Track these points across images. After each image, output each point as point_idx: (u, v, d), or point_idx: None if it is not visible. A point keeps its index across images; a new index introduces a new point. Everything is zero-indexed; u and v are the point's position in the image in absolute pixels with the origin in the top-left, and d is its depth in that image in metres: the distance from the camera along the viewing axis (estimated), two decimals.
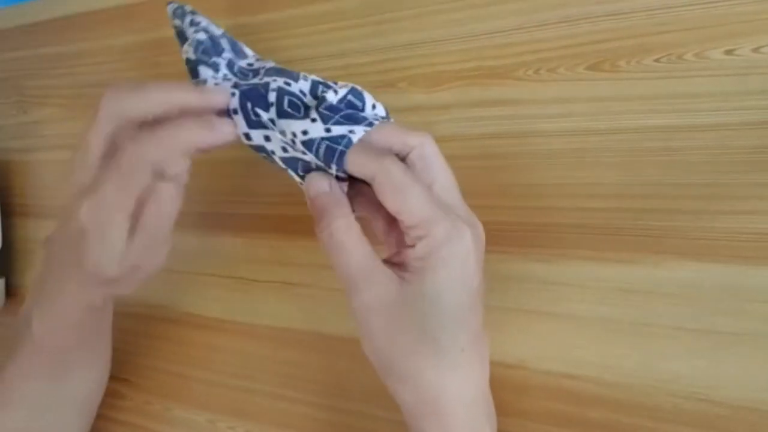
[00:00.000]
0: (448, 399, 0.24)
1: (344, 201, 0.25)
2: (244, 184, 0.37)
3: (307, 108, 0.26)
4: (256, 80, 0.28)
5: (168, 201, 0.25)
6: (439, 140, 0.31)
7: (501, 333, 0.30)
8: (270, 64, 0.29)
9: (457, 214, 0.23)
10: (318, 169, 0.26)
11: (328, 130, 0.24)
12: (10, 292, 0.47)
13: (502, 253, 0.30)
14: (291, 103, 0.26)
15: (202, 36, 0.29)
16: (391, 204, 0.23)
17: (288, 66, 0.35)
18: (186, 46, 0.30)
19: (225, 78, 0.29)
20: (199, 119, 0.25)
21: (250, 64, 0.30)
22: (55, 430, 0.34)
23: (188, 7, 0.32)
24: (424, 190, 0.23)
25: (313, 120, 0.25)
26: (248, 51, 0.31)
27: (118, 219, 0.24)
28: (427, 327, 0.23)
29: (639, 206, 0.27)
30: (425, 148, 0.24)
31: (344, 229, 0.24)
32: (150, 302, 0.41)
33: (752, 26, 0.25)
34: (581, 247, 0.28)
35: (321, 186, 0.25)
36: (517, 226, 0.29)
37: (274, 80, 0.27)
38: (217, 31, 0.30)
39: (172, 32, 0.36)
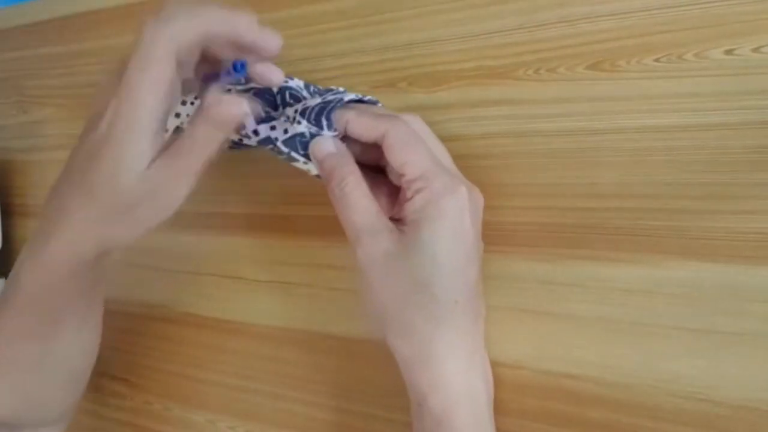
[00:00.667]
0: (440, 350, 0.25)
1: (350, 158, 0.26)
2: (244, 184, 0.37)
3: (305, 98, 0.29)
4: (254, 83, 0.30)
5: (210, 131, 0.24)
6: (439, 140, 0.31)
7: (501, 333, 0.30)
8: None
9: (455, 172, 0.25)
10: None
11: (324, 99, 0.27)
12: None
13: (502, 253, 0.30)
14: (292, 95, 0.30)
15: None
16: (398, 156, 0.24)
17: (289, 66, 0.35)
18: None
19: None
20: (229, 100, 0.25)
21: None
22: (40, 398, 0.33)
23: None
24: (428, 149, 0.25)
25: (312, 97, 0.28)
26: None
27: (151, 124, 0.23)
28: (420, 277, 0.24)
29: (639, 206, 0.27)
30: (416, 125, 0.26)
31: (353, 185, 0.25)
32: (150, 302, 0.41)
33: (752, 26, 0.25)
34: (581, 247, 0.28)
35: (327, 147, 0.26)
36: (517, 226, 0.29)
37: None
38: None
39: None
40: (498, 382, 0.30)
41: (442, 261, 0.24)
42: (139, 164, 0.24)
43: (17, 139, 0.47)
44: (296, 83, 0.30)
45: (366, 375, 0.33)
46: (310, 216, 0.35)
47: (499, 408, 0.30)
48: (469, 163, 0.30)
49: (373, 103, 0.29)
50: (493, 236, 0.30)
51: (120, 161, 0.24)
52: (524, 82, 0.29)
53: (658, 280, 0.27)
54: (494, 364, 0.30)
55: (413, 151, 0.25)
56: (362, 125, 0.26)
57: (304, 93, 0.30)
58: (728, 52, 0.25)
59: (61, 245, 0.27)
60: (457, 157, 0.31)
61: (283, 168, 0.36)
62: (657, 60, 0.26)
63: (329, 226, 0.34)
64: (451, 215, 0.24)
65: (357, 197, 0.25)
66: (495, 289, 0.30)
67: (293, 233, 0.36)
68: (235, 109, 0.24)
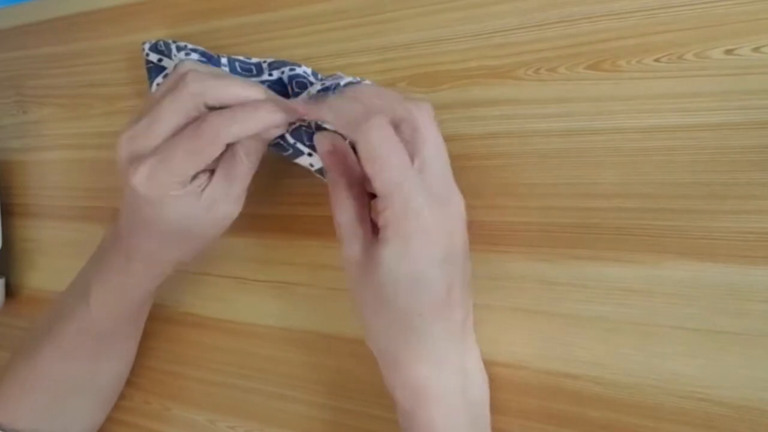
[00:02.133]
0: (406, 357, 0.25)
1: (348, 162, 0.27)
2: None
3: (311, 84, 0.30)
4: (265, 76, 0.32)
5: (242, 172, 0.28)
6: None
7: (501, 333, 0.30)
8: (268, 59, 0.31)
9: (433, 189, 0.24)
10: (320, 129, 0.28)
11: (323, 86, 0.28)
12: (10, 292, 0.47)
13: (502, 253, 0.30)
14: (298, 84, 0.31)
15: (195, 56, 0.32)
16: (366, 169, 0.24)
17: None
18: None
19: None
20: (271, 104, 0.27)
21: (244, 61, 0.32)
22: (70, 417, 0.34)
23: (166, 40, 0.34)
24: (398, 163, 0.24)
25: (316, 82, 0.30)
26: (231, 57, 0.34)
27: (180, 183, 0.26)
28: (383, 291, 0.24)
29: (639, 206, 0.27)
30: (416, 121, 0.25)
31: (341, 186, 0.26)
32: None
33: (752, 26, 0.25)
34: (581, 247, 0.28)
35: (325, 145, 0.27)
36: (517, 226, 0.29)
37: (282, 72, 0.31)
38: (200, 48, 0.33)
39: (171, 32, 0.36)
40: (498, 382, 0.30)
41: (401, 279, 0.24)
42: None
43: (17, 139, 0.47)
44: (304, 70, 0.31)
45: (365, 375, 0.33)
46: (310, 216, 0.35)
47: (499, 408, 0.30)
48: (469, 163, 0.30)
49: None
50: (493, 236, 0.30)
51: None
52: (524, 82, 0.29)
53: (658, 280, 0.27)
54: (494, 364, 0.30)
55: (380, 166, 0.23)
56: (340, 126, 0.26)
57: (311, 79, 0.31)
58: (728, 52, 0.25)
59: (140, 279, 0.30)
60: (457, 157, 0.31)
61: (283, 168, 0.36)
62: (657, 60, 0.26)
63: (329, 226, 0.34)
64: (410, 238, 0.24)
65: (342, 198, 0.26)
66: (495, 289, 0.30)
67: (293, 233, 0.36)
68: (277, 117, 0.27)
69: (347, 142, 0.27)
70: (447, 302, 0.25)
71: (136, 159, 0.26)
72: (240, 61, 0.34)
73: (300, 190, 0.35)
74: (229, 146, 0.27)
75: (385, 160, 0.23)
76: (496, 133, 0.30)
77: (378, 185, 0.24)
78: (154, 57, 0.34)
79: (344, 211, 0.26)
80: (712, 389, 0.26)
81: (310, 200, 0.35)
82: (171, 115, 0.26)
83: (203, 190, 0.28)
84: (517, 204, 0.29)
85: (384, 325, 0.25)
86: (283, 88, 0.31)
